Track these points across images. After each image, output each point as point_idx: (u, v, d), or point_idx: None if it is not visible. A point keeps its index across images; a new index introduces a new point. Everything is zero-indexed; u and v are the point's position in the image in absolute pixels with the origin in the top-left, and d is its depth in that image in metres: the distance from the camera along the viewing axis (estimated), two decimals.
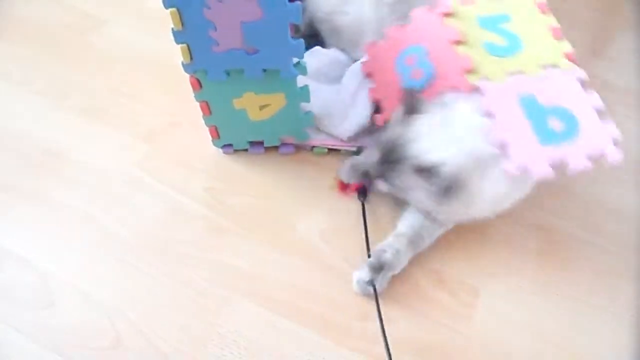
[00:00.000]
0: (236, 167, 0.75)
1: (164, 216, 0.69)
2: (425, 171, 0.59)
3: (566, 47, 0.65)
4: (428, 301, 0.64)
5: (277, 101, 0.68)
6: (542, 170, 0.58)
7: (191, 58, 0.61)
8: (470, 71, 0.64)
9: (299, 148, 0.76)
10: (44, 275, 0.64)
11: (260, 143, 0.75)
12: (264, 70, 0.63)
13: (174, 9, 0.56)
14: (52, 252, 0.66)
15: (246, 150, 0.75)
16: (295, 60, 0.62)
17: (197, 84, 0.65)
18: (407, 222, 0.67)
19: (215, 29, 0.58)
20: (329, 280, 0.64)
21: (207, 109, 0.68)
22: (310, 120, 0.72)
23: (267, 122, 0.70)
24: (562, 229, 0.72)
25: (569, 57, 0.63)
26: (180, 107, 0.76)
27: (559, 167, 0.59)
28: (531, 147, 0.59)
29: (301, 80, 0.66)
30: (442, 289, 0.65)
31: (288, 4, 0.56)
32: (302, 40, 0.60)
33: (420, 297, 0.64)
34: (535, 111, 0.61)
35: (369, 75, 0.75)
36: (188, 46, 0.60)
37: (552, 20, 0.67)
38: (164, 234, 0.68)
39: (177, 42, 0.60)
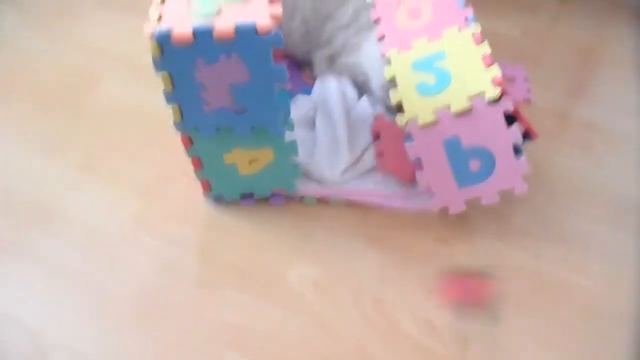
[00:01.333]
0: (228, 219, 0.76)
1: (157, 272, 0.70)
2: None
3: (495, 72, 0.67)
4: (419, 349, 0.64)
5: (265, 156, 0.70)
6: (458, 208, 0.70)
7: (182, 117, 0.63)
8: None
9: (289, 199, 0.77)
10: (36, 335, 0.63)
11: (251, 195, 0.76)
12: (253, 128, 0.64)
13: (164, 72, 0.59)
14: (44, 311, 0.66)
15: (238, 202, 0.77)
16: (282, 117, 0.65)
17: (188, 141, 0.67)
18: None
19: (205, 90, 0.61)
20: (320, 332, 0.64)
21: (199, 164, 0.70)
22: (299, 172, 0.73)
23: (257, 175, 0.72)
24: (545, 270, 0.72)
25: (496, 82, 0.65)
26: (173, 160, 0.77)
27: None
28: (451, 189, 0.69)
29: (289, 135, 0.68)
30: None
31: (274, 66, 0.59)
32: (289, 97, 0.63)
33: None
34: (457, 155, 0.67)
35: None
36: (179, 106, 0.62)
37: (485, 49, 0.70)
38: (157, 290, 0.68)
39: (168, 102, 0.62)
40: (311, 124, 0.82)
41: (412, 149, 0.68)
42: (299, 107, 0.83)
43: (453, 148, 0.67)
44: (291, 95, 0.89)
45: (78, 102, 0.92)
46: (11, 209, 0.76)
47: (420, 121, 0.66)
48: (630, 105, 1.03)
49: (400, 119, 0.68)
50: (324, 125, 0.80)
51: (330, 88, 0.84)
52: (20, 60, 0.99)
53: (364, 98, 0.85)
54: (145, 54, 0.58)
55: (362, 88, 0.86)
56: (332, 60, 0.88)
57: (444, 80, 0.68)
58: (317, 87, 0.87)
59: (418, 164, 0.69)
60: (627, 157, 0.91)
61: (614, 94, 1.05)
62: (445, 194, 0.70)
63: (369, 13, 0.83)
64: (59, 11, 1.11)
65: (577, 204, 0.81)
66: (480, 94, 0.65)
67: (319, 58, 0.89)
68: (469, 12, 0.74)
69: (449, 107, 0.66)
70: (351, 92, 0.86)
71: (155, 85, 0.61)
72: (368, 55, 0.82)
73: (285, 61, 0.93)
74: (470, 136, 0.66)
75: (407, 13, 0.77)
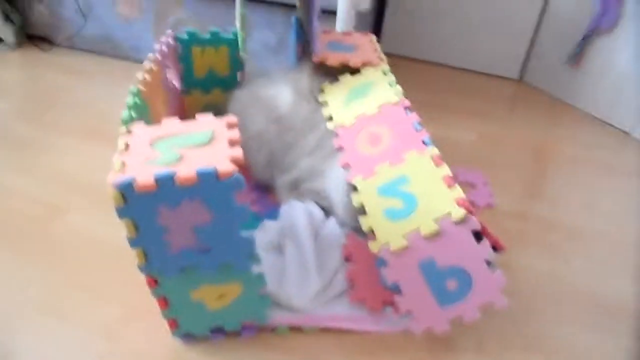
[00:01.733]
0: (197, 357, 0.72)
1: None
2: None
3: (457, 193, 0.69)
4: None
5: (233, 290, 0.68)
6: (443, 328, 0.69)
7: (146, 260, 0.62)
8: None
9: (261, 330, 0.74)
10: None
11: (222, 329, 0.73)
12: (218, 265, 0.64)
13: (127, 219, 0.58)
14: None
15: (208, 337, 0.73)
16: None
17: (153, 282, 0.65)
18: None
19: (169, 233, 0.60)
20: None
21: (165, 304, 0.68)
22: (268, 303, 0.72)
23: (226, 309, 0.70)
24: None
25: (460, 203, 0.67)
26: (139, 298, 0.74)
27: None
28: (433, 310, 0.68)
29: (256, 268, 0.67)
30: None
31: (236, 207, 0.59)
32: (253, 237, 0.63)
33: None
34: (434, 276, 0.67)
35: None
36: (143, 250, 0.61)
37: (445, 170, 0.72)
38: None
39: (132, 247, 0.61)
40: (279, 249, 0.82)
41: (388, 274, 0.68)
42: (267, 232, 0.83)
43: (429, 270, 0.67)
44: (259, 218, 0.90)
45: (41, 235, 0.90)
46: None
47: (393, 246, 0.67)
48: (586, 201, 1.07)
49: (373, 246, 0.68)
50: (292, 251, 0.79)
51: (297, 211, 0.85)
52: None
53: (332, 219, 0.86)
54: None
55: (326, 211, 0.87)
56: (294, 185, 0.90)
57: (410, 204, 0.70)
58: (284, 210, 0.88)
59: (396, 289, 0.68)
60: (592, 255, 0.93)
61: (570, 192, 1.09)
62: (428, 316, 0.69)
63: (331, 140, 0.87)
64: (26, 144, 1.12)
65: (553, 308, 0.82)
66: (447, 215, 0.66)
67: (280, 184, 0.92)
68: (425, 135, 0.77)
69: (419, 230, 0.67)
70: (318, 213, 0.87)
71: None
72: (331, 181, 0.84)
73: (251, 183, 0.97)
74: (443, 257, 0.67)
75: (368, 139, 0.81)
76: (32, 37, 1.54)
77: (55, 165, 1.06)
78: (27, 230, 0.91)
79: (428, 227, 0.67)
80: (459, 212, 0.66)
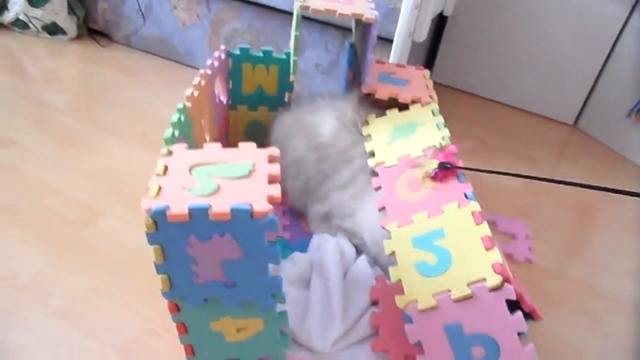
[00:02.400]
0: None
1: None
2: None
3: (495, 257, 0.65)
4: None
5: (254, 325, 0.66)
6: None
7: (170, 287, 0.61)
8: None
9: None
10: None
11: None
12: (242, 302, 0.62)
13: (157, 246, 0.57)
14: None
15: None
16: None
17: (175, 308, 0.64)
18: None
19: (196, 264, 0.59)
20: None
21: (184, 330, 0.66)
22: (287, 342, 0.69)
23: (244, 343, 0.68)
24: None
25: (496, 269, 0.63)
26: (161, 317, 0.73)
27: None
28: None
29: (280, 307, 0.65)
30: None
31: (267, 247, 0.57)
32: (281, 278, 0.61)
33: None
34: (459, 341, 0.63)
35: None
36: (169, 276, 0.60)
37: (485, 230, 0.68)
38: None
39: (158, 272, 0.60)
40: (306, 283, 0.80)
41: (412, 332, 0.65)
42: (296, 265, 0.81)
43: (454, 334, 0.63)
44: (289, 247, 0.88)
45: (73, 237, 0.90)
46: None
47: (420, 305, 0.63)
48: (632, 270, 1.00)
49: (400, 301, 0.65)
50: (318, 288, 0.77)
51: (328, 247, 0.82)
52: (29, 191, 0.99)
53: (362, 257, 0.83)
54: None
55: (357, 249, 0.85)
56: (326, 218, 0.88)
57: (444, 261, 0.66)
58: (314, 242, 0.86)
59: (419, 348, 0.65)
60: (629, 326, 0.87)
61: (615, 257, 1.03)
62: None
63: (365, 177, 0.84)
64: (74, 141, 1.14)
65: None
66: (481, 281, 0.63)
67: (314, 214, 0.89)
68: (469, 187, 0.74)
69: (449, 292, 0.63)
70: (350, 250, 0.84)
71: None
72: (365, 223, 0.82)
73: (285, 208, 0.96)
74: (472, 323, 0.63)
75: (408, 184, 0.78)
76: (92, 31, 1.58)
77: (97, 165, 1.08)
78: (59, 230, 0.92)
79: (460, 291, 0.63)
80: (494, 279, 0.62)
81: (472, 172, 0.76)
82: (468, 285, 0.63)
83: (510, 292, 0.62)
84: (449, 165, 0.74)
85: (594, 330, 0.86)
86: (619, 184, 1.24)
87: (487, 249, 0.66)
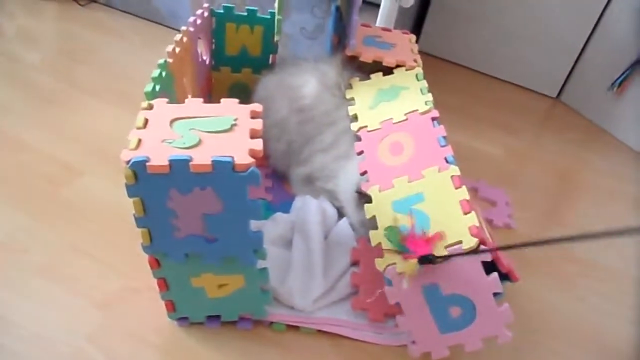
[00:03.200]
0: (190, 342, 0.71)
1: None
2: None
3: (472, 220, 0.65)
4: None
5: (235, 281, 0.66)
6: (441, 354, 0.68)
7: (151, 241, 0.61)
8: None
9: (257, 323, 0.73)
10: None
11: (218, 317, 0.72)
12: (223, 257, 0.62)
13: (137, 199, 0.57)
14: None
15: (203, 323, 0.72)
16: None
17: (156, 263, 0.64)
18: None
19: (177, 218, 0.58)
20: None
21: (165, 286, 0.66)
22: (268, 299, 0.70)
23: (225, 299, 0.68)
24: None
25: (472, 231, 0.63)
26: (142, 274, 0.72)
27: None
28: (433, 335, 0.67)
29: (261, 263, 0.65)
30: None
31: (249, 201, 0.57)
32: (262, 233, 0.60)
33: None
34: (437, 302, 0.65)
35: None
36: (149, 230, 0.60)
37: (463, 194, 0.68)
38: None
39: (138, 226, 0.59)
40: (288, 243, 0.80)
41: (392, 294, 0.65)
42: (277, 224, 0.81)
43: (432, 294, 0.64)
44: (271, 208, 0.88)
45: (52, 196, 0.89)
46: None
47: (399, 268, 0.64)
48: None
49: (379, 263, 0.66)
50: (300, 248, 0.77)
51: (310, 208, 0.82)
52: (6, 147, 0.97)
53: (344, 220, 0.83)
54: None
55: (339, 211, 0.85)
56: (309, 180, 0.88)
57: (422, 224, 0.66)
58: (297, 204, 0.85)
59: (398, 309, 0.66)
60: (607, 293, 0.90)
61: (593, 223, 1.05)
62: (427, 340, 0.67)
63: (349, 139, 0.83)
64: (51, 100, 1.11)
65: (557, 345, 0.78)
66: (458, 244, 0.63)
67: (296, 176, 0.89)
68: (449, 152, 0.74)
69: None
70: (331, 210, 0.84)
71: None
72: (345, 190, 0.81)
73: (267, 171, 0.95)
74: (449, 284, 0.64)
75: (390, 147, 0.77)
76: None
77: (76, 124, 1.05)
78: (38, 188, 0.90)
79: (437, 253, 0.63)
80: (470, 241, 0.63)
81: (451, 138, 0.76)
82: (445, 247, 0.63)
83: (485, 255, 0.63)
84: (430, 257, 0.63)
85: (568, 293, 0.88)
86: (600, 156, 1.26)
87: (465, 213, 0.66)
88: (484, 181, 1.07)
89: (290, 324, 0.73)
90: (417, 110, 0.81)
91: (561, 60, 1.40)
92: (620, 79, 1.29)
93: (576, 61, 1.39)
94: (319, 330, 0.73)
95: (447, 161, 0.73)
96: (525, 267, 0.87)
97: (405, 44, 0.97)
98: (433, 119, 0.79)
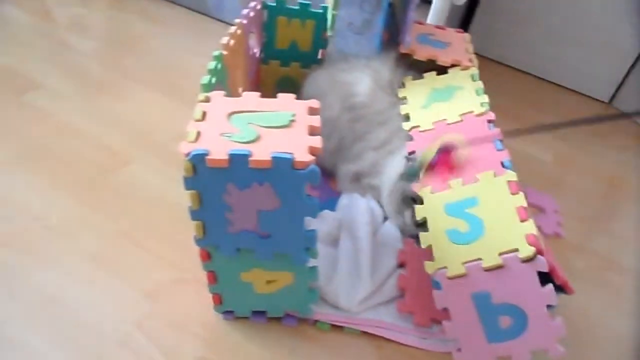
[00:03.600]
0: (235, 336, 0.71)
1: None
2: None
3: (530, 228, 0.62)
4: None
5: (284, 278, 0.66)
6: None
7: (204, 234, 0.60)
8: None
9: (302, 320, 0.72)
10: None
11: (263, 312, 0.71)
12: (275, 253, 0.61)
13: (194, 192, 0.56)
14: None
15: (248, 317, 0.72)
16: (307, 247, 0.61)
17: (207, 256, 0.63)
18: None
19: (232, 212, 0.58)
20: None
21: (214, 279, 0.66)
22: (315, 297, 0.69)
23: (273, 295, 0.68)
24: None
25: (530, 240, 0.61)
26: (191, 265, 0.73)
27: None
28: (480, 344, 0.64)
29: (311, 262, 0.64)
30: None
31: (306, 199, 0.56)
32: (315, 231, 0.59)
33: None
34: (487, 310, 0.62)
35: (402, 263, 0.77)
36: (203, 223, 0.59)
37: (521, 200, 0.66)
38: None
39: (193, 219, 0.59)
40: (334, 241, 0.79)
41: (440, 298, 0.64)
42: (325, 222, 0.80)
43: (482, 302, 0.62)
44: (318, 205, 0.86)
45: (101, 183, 0.90)
46: (18, 292, 0.72)
47: (450, 272, 0.62)
48: None
49: (429, 267, 0.64)
50: (347, 247, 0.76)
51: (359, 207, 0.81)
52: (57, 133, 0.99)
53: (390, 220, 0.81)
54: (179, 142, 0.55)
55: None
56: (356, 178, 0.86)
57: (476, 229, 0.65)
58: (343, 201, 0.84)
59: (446, 314, 0.65)
60: None
61: (637, 231, 1.00)
62: (473, 348, 0.65)
63: (401, 138, 0.82)
64: (101, 87, 1.13)
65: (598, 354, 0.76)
66: (513, 251, 0.61)
67: (344, 173, 0.88)
68: (506, 156, 0.71)
69: (480, 261, 0.62)
70: (379, 211, 0.83)
71: (182, 177, 0.56)
72: (385, 181, 0.80)
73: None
74: (501, 293, 0.62)
75: None
76: None
77: (125, 113, 1.06)
78: (87, 174, 0.91)
79: (491, 260, 0.61)
80: (527, 250, 0.60)
81: (506, 142, 0.73)
82: (499, 254, 0.61)
83: (542, 264, 0.60)
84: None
85: (616, 305, 0.85)
86: None
87: (522, 220, 0.64)
88: (532, 186, 1.03)
89: (335, 323, 0.72)
90: (472, 111, 0.79)
91: (615, 65, 1.34)
92: None
93: (631, 67, 1.33)
94: (363, 332, 0.72)
95: (503, 165, 0.70)
96: (572, 278, 0.84)
97: (460, 43, 0.94)
98: (489, 121, 0.77)
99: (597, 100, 1.41)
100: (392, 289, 0.74)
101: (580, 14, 1.32)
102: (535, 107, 1.34)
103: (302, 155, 0.54)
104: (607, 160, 1.20)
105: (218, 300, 0.69)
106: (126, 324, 0.70)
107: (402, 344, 0.72)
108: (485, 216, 0.67)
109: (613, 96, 1.39)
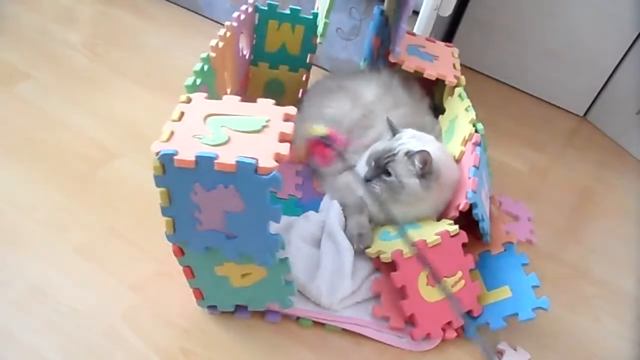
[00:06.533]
0: (218, 330, 0.66)
1: None
2: (415, 154, 0.72)
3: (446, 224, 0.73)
4: None
5: (258, 272, 0.61)
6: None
7: (174, 230, 0.55)
8: None
9: (285, 317, 0.68)
10: None
11: (246, 307, 0.67)
12: (241, 253, 0.57)
13: (163, 189, 0.52)
14: None
15: (232, 312, 0.67)
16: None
17: (180, 251, 0.59)
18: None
19: (200, 212, 0.53)
20: None
21: (191, 273, 0.62)
22: (292, 290, 0.64)
23: (250, 288, 0.63)
24: None
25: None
26: (174, 257, 0.67)
27: None
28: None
29: (281, 253, 0.59)
30: None
31: (269, 204, 0.52)
32: (280, 236, 0.56)
33: None
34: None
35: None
36: (173, 220, 0.55)
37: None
38: None
39: (164, 215, 0.55)
40: (318, 241, 0.75)
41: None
42: (310, 222, 0.77)
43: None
44: (302, 205, 0.82)
45: (89, 177, 0.84)
46: (4, 283, 0.67)
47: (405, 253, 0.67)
48: (626, 260, 0.94)
49: (385, 258, 0.69)
50: (330, 249, 0.73)
51: (334, 213, 0.77)
52: (46, 126, 0.92)
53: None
54: None
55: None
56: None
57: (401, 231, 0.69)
58: (325, 204, 0.80)
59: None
60: (619, 313, 0.82)
61: (612, 246, 0.96)
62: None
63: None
64: (88, 79, 1.06)
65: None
66: (445, 230, 0.69)
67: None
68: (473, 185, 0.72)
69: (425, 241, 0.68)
70: None
71: None
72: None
73: (299, 169, 0.89)
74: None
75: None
76: None
77: (113, 107, 0.99)
78: (75, 168, 0.85)
79: (432, 238, 0.68)
80: (453, 228, 0.69)
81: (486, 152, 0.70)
82: (436, 234, 0.69)
83: (463, 237, 0.70)
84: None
85: (585, 314, 0.80)
86: (621, 177, 1.17)
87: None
88: (507, 195, 0.99)
89: (317, 320, 0.68)
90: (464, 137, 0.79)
91: (591, 80, 1.30)
92: None
93: (606, 83, 1.29)
94: (344, 329, 0.69)
95: (466, 196, 0.71)
96: (544, 285, 0.80)
97: (447, 58, 0.90)
98: (474, 144, 0.74)
99: (572, 113, 1.37)
100: (371, 289, 0.71)
101: (559, 29, 1.27)
102: (514, 118, 1.29)
103: (266, 161, 0.49)
104: (581, 173, 1.15)
105: (199, 295, 0.65)
106: (111, 316, 0.65)
107: (380, 342, 0.69)
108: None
109: (587, 110, 1.35)
